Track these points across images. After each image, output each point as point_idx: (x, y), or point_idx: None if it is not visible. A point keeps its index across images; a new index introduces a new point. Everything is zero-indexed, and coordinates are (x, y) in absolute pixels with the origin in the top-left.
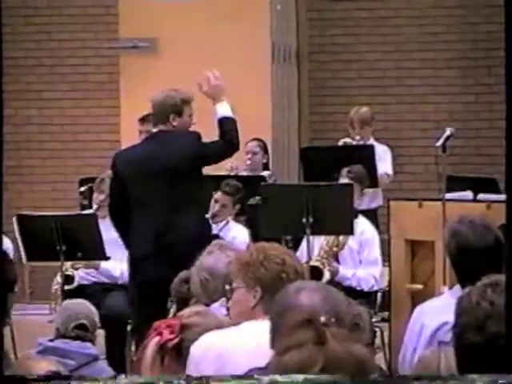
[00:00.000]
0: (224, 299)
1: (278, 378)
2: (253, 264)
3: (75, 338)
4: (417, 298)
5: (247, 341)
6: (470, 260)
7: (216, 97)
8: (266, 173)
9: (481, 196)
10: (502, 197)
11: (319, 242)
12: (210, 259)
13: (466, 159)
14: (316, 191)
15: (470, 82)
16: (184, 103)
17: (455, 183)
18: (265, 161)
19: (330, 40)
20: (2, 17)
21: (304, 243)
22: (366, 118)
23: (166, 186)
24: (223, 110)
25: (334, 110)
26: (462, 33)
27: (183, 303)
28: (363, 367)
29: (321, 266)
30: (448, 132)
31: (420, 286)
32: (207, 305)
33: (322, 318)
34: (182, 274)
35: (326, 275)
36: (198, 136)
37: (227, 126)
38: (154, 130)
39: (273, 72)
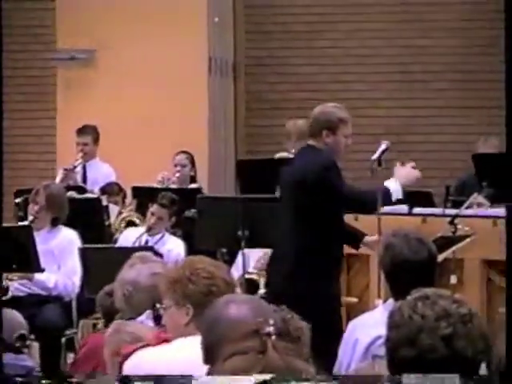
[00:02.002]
0: (149, 312)
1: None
2: (180, 281)
3: (16, 349)
4: (352, 311)
5: (178, 358)
6: (403, 274)
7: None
8: (194, 185)
9: (416, 209)
10: (437, 210)
11: (255, 255)
12: (132, 272)
13: None
14: (252, 204)
15: (407, 95)
16: (340, 121)
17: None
18: (192, 173)
19: (267, 53)
20: (2, 18)
21: (240, 256)
22: (304, 131)
23: None
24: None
25: (271, 122)
26: (399, 47)
27: (109, 316)
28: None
29: (257, 279)
30: (384, 146)
31: (355, 300)
32: (132, 318)
33: (267, 329)
34: (106, 288)
35: (262, 288)
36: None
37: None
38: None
39: (210, 84)
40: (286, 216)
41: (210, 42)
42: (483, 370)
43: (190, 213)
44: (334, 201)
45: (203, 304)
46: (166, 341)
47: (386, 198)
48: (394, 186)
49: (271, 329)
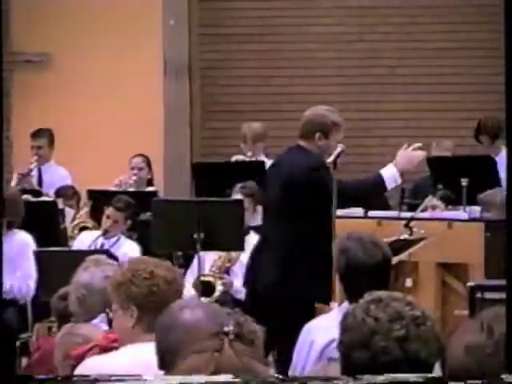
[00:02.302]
0: (104, 315)
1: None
2: (124, 283)
3: None
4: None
5: (126, 365)
6: (358, 276)
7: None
8: (151, 188)
9: (371, 212)
10: (393, 213)
11: (211, 258)
12: (86, 275)
13: (357, 176)
14: (207, 207)
15: (363, 98)
16: (334, 126)
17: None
18: (149, 176)
19: (222, 55)
20: (2, 18)
21: (195, 259)
22: (259, 133)
23: None
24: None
25: (226, 125)
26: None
27: (64, 320)
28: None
29: (213, 281)
30: (339, 149)
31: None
32: (86, 321)
33: (225, 329)
34: (61, 291)
35: (218, 290)
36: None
37: (374, 191)
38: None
39: (165, 87)
40: (272, 216)
41: (165, 44)
42: (437, 371)
43: (146, 216)
44: (324, 199)
45: (146, 305)
46: (115, 341)
47: (379, 186)
48: (390, 171)
49: (229, 328)
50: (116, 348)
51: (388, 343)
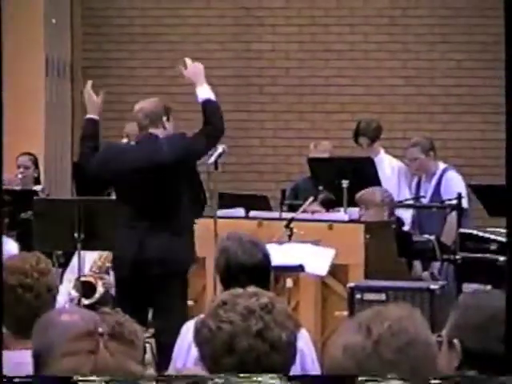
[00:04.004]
0: None
1: None
2: None
3: None
4: (189, 314)
5: None
6: (238, 276)
7: (197, 80)
8: (38, 187)
9: (252, 213)
10: (274, 214)
11: (91, 257)
12: None
13: (238, 176)
14: (88, 206)
15: (243, 99)
16: (169, 108)
17: (227, 200)
18: (36, 175)
19: (104, 55)
20: (1, 18)
21: (75, 258)
22: None
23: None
24: (205, 92)
25: (108, 125)
26: (235, 51)
27: None
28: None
29: (93, 282)
30: (220, 149)
31: (191, 303)
32: None
33: (100, 329)
34: None
35: (100, 290)
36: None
37: (211, 109)
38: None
39: (46, 85)
40: (142, 200)
41: (47, 43)
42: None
43: (27, 214)
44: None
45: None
46: None
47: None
48: (205, 91)
49: (104, 329)
50: None
51: (251, 340)
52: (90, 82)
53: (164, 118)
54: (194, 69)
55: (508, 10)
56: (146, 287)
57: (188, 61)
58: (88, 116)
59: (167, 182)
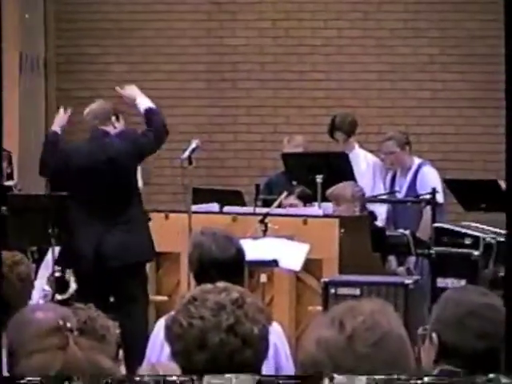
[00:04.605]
0: None
1: None
2: None
3: None
4: (162, 310)
5: None
6: (212, 271)
7: (135, 93)
8: (10, 182)
9: (227, 208)
10: (248, 209)
11: None
12: None
13: (212, 171)
14: (62, 202)
15: (217, 94)
16: (118, 110)
17: (201, 195)
18: (9, 171)
19: (78, 50)
20: (1, 18)
21: (50, 254)
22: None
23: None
24: (145, 103)
25: (81, 119)
26: (208, 46)
27: None
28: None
29: (67, 277)
30: (193, 144)
31: (165, 298)
32: None
33: (68, 324)
34: None
35: (73, 285)
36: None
37: (153, 116)
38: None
39: (20, 81)
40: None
41: (20, 38)
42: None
43: (1, 210)
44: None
45: None
46: None
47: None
48: (144, 101)
49: (73, 324)
50: None
51: (222, 336)
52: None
53: (113, 118)
54: (129, 88)
55: (508, 7)
56: (106, 281)
57: (119, 89)
58: (52, 129)
59: (120, 175)
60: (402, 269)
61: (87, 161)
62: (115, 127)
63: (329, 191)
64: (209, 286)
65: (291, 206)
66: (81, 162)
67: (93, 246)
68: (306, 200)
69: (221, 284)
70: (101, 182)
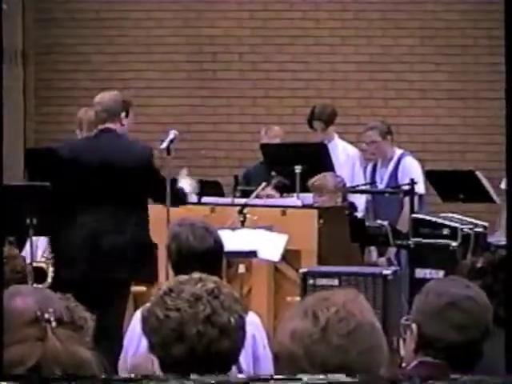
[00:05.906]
0: None
1: None
2: None
3: None
4: (140, 300)
5: None
6: (189, 262)
7: None
8: None
9: (205, 199)
10: (227, 200)
11: (44, 243)
12: None
13: (191, 162)
14: (40, 192)
15: (196, 84)
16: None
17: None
18: None
19: (56, 40)
20: (1, 18)
21: (28, 245)
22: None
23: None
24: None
25: (60, 110)
26: (187, 36)
27: None
28: (83, 368)
29: (45, 267)
30: (171, 135)
31: (144, 289)
32: None
33: (46, 315)
34: None
35: (50, 276)
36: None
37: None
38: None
39: None
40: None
41: None
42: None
43: None
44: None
45: None
46: None
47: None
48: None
49: (51, 315)
50: None
51: (199, 327)
52: None
53: (122, 114)
54: None
55: (508, 7)
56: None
57: None
58: None
59: (133, 182)
60: (382, 259)
61: (103, 163)
62: (122, 124)
63: (310, 182)
64: (184, 277)
65: (268, 196)
66: (95, 164)
67: (88, 252)
68: (283, 190)
69: (196, 275)
70: (111, 187)
